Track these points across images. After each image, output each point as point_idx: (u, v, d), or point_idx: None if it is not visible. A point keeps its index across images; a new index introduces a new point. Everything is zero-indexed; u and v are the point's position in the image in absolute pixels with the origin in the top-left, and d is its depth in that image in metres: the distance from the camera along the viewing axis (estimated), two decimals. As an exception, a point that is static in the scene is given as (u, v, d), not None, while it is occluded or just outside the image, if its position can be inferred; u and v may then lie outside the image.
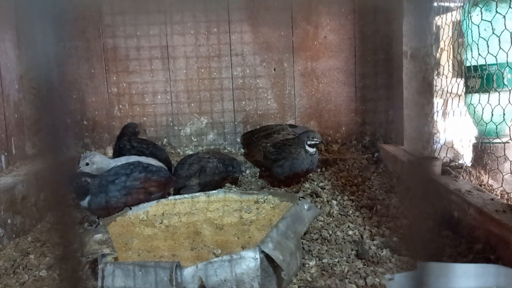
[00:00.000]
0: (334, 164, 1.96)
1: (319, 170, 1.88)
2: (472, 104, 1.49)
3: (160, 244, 1.08)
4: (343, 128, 2.19)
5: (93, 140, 2.13)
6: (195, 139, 2.18)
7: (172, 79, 2.14)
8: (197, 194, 1.28)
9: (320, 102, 2.18)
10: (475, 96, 1.46)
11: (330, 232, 1.23)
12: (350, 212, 1.39)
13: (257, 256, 0.74)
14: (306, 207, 1.05)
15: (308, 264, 1.02)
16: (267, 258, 0.76)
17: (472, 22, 1.47)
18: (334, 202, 1.49)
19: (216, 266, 0.72)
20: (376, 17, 2.09)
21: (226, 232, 1.15)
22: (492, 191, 1.26)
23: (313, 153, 1.60)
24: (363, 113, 2.17)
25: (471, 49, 1.49)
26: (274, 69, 2.15)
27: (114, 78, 2.10)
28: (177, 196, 1.28)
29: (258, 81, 2.16)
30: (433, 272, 0.47)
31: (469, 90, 1.50)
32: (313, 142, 1.60)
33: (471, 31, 1.48)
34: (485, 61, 1.42)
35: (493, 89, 1.40)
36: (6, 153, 1.65)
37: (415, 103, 1.66)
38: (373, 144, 2.15)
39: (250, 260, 0.73)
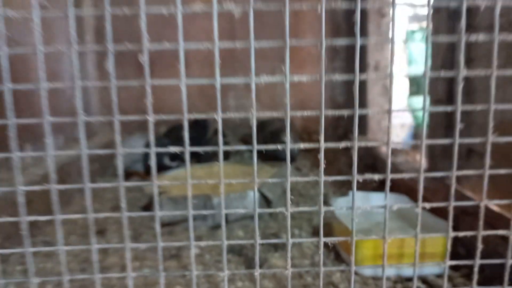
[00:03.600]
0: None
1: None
2: (411, 103, 2.06)
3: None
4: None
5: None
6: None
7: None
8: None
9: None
10: (413, 98, 2.02)
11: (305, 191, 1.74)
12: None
13: (257, 194, 1.25)
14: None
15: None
16: (262, 196, 1.27)
17: (413, 42, 2.01)
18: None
19: (233, 198, 1.23)
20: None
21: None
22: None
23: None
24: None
25: (412, 63, 2.05)
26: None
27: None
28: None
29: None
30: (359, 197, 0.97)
31: (410, 93, 2.07)
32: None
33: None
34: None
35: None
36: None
37: (377, 103, 2.20)
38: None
39: (251, 196, 1.24)
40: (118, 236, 1.20)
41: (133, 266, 0.88)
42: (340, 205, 1.10)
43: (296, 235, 1.14)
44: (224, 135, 2.05)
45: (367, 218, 1.01)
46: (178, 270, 0.94)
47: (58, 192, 0.48)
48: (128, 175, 1.84)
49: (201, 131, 2.22)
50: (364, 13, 2.32)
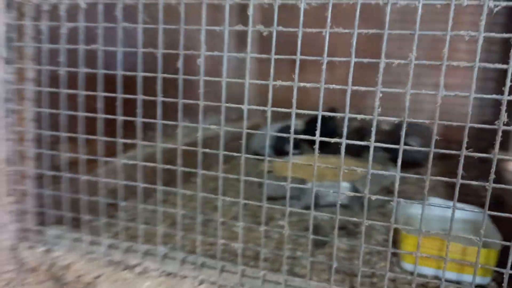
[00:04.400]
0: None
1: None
2: None
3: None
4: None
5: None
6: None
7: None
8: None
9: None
10: None
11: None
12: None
13: (349, 185, 1.33)
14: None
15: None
16: (354, 188, 1.34)
17: None
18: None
19: (325, 185, 1.34)
20: None
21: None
22: None
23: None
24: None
25: None
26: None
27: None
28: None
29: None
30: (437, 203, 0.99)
31: None
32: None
33: None
34: None
35: None
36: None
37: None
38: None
39: (345, 186, 1.32)
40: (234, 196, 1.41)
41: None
42: (415, 207, 1.09)
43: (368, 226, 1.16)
44: (362, 134, 2.12)
45: (442, 224, 0.98)
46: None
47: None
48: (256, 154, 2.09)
49: (333, 126, 2.33)
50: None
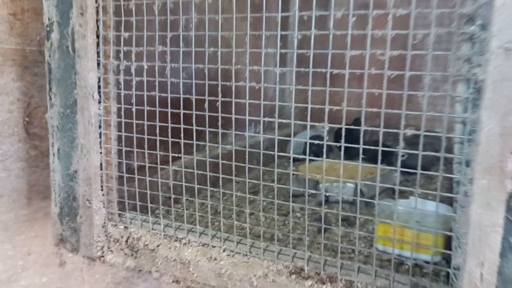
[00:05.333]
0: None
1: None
2: None
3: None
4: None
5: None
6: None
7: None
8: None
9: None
10: None
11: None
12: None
13: (353, 185, 1.61)
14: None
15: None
16: (359, 188, 1.62)
17: None
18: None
19: (334, 186, 1.63)
20: None
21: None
22: None
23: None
24: None
25: None
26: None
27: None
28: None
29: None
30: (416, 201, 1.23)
31: None
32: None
33: None
34: None
35: None
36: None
37: None
38: None
39: (350, 186, 1.60)
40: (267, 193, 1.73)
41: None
42: (399, 205, 1.34)
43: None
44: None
45: (420, 217, 1.23)
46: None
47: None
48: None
49: (358, 134, 2.58)
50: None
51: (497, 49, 0.69)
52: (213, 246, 1.04)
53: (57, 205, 1.21)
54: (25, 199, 1.43)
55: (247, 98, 0.93)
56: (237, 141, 1.76)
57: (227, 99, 0.95)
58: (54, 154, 1.18)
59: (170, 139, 1.04)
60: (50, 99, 1.15)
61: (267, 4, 0.88)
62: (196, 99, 0.98)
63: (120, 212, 1.17)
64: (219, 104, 0.95)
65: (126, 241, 1.13)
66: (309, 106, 0.87)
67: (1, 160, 1.31)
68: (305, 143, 2.23)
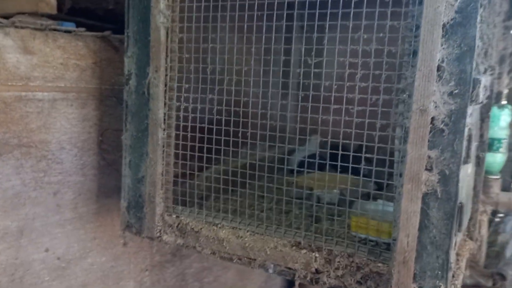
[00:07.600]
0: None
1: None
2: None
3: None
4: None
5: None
6: None
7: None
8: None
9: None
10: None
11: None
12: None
13: (338, 191, 2.14)
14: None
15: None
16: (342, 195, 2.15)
17: None
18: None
19: (325, 193, 2.17)
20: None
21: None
22: None
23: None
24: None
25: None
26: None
27: None
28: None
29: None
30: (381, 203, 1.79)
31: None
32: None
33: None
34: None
35: None
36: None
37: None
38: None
39: (336, 192, 2.14)
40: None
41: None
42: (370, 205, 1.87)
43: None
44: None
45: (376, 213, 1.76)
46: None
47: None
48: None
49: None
50: None
51: (416, 109, 1.21)
52: (240, 229, 1.55)
53: (125, 200, 1.72)
54: (95, 197, 1.95)
55: (259, 120, 1.46)
56: (251, 155, 2.27)
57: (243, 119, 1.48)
58: (126, 164, 1.69)
59: (205, 155, 1.56)
60: (125, 125, 1.67)
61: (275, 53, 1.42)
62: (222, 124, 1.52)
63: (174, 205, 1.68)
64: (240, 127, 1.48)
65: (177, 226, 1.64)
66: (298, 126, 1.40)
67: (82, 168, 1.83)
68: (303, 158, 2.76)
